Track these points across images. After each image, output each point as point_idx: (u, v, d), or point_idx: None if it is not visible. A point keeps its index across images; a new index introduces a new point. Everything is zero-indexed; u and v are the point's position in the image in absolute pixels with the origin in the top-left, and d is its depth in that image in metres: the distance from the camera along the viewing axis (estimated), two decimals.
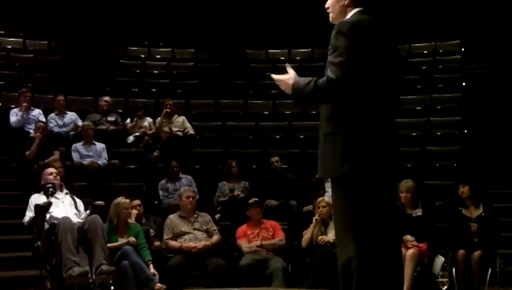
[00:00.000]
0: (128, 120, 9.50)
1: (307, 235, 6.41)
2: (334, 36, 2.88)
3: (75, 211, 5.96)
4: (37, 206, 5.66)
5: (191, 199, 6.74)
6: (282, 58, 13.04)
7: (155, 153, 8.57)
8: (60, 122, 9.14)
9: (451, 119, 9.83)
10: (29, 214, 5.78)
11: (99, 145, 8.47)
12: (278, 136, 9.78)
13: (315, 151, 3.07)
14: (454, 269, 6.07)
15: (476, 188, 6.52)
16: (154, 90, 11.25)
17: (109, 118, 9.40)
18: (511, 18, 12.28)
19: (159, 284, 5.88)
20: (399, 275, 3.00)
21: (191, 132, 9.43)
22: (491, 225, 6.23)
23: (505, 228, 6.74)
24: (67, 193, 6.11)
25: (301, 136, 9.59)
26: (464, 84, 11.17)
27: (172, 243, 6.48)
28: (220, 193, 7.89)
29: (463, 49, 12.61)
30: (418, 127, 9.67)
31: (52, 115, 9.18)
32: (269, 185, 7.93)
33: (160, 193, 7.89)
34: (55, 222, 5.54)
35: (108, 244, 5.80)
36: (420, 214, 6.13)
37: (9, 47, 11.92)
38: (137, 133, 9.24)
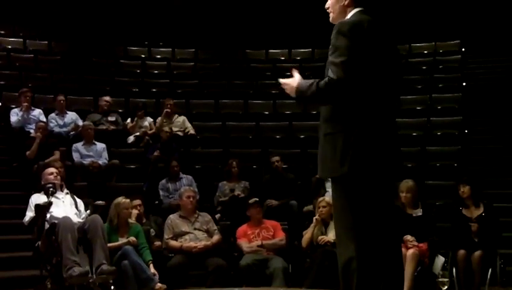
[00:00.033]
0: (129, 120, 9.50)
1: (307, 235, 6.41)
2: (335, 36, 2.88)
3: (75, 211, 5.97)
4: (37, 206, 5.66)
5: (191, 199, 6.74)
6: (283, 58, 13.08)
7: (155, 153, 8.57)
8: (61, 122, 9.15)
9: (452, 119, 9.83)
10: (30, 214, 5.78)
11: (100, 145, 8.47)
12: (278, 136, 9.78)
13: (315, 151, 3.07)
14: (454, 269, 6.07)
15: (477, 188, 6.52)
16: (154, 90, 11.25)
17: (109, 118, 9.40)
18: (511, 18, 12.28)
19: (159, 284, 5.88)
20: (399, 275, 3.00)
21: (192, 131, 9.43)
22: (492, 225, 6.23)
23: (506, 228, 6.74)
24: (67, 193, 6.11)
25: (301, 136, 9.59)
26: (464, 84, 11.17)
27: (173, 243, 6.48)
28: (221, 193, 7.89)
29: (463, 49, 12.61)
30: (418, 127, 9.68)
31: (53, 115, 9.19)
32: (269, 185, 7.93)
33: (161, 192, 7.89)
34: (56, 221, 5.54)
35: (109, 244, 5.80)
36: (420, 214, 6.13)
37: (10, 47, 11.93)
38: (138, 133, 9.24)
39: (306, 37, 12.81)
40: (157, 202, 7.86)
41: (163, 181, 7.97)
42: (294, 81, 3.00)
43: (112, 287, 5.55)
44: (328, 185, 6.78)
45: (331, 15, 3.12)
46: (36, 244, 5.65)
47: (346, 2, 3.04)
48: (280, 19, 13.34)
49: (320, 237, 6.25)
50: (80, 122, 9.12)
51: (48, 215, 5.67)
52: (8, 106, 9.39)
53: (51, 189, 5.81)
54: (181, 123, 9.42)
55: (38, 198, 5.85)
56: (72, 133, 8.97)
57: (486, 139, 9.69)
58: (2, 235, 7.01)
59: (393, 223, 2.99)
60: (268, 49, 13.30)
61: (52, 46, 12.45)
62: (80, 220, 5.84)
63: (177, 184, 7.85)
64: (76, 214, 5.92)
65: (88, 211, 6.02)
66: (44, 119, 8.94)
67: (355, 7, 3.02)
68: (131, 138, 9.20)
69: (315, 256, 6.13)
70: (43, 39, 12.54)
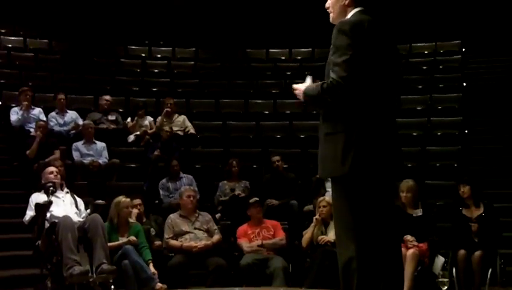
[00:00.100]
0: (129, 119, 9.50)
1: (307, 234, 6.41)
2: (335, 36, 2.89)
3: (75, 210, 5.96)
4: (37, 205, 5.66)
5: (191, 199, 6.74)
6: (283, 57, 13.07)
7: (156, 152, 8.57)
8: (61, 121, 9.14)
9: (452, 119, 9.84)
10: (30, 213, 5.78)
11: (100, 144, 8.47)
12: (278, 136, 9.78)
13: (316, 151, 3.08)
14: (454, 269, 6.07)
15: (477, 188, 6.52)
16: (154, 89, 11.24)
17: (110, 117, 9.40)
18: (511, 18, 12.28)
19: (159, 284, 5.88)
20: (399, 275, 3.00)
21: (192, 131, 9.43)
22: (492, 225, 6.23)
23: (506, 228, 6.75)
24: (67, 192, 6.11)
25: (302, 136, 9.59)
26: (464, 84, 11.17)
27: (173, 242, 6.48)
28: (221, 193, 7.89)
29: (464, 49, 12.60)
30: (418, 127, 9.68)
31: (53, 113, 9.18)
32: (270, 185, 7.93)
33: (161, 192, 7.89)
34: (56, 220, 5.53)
35: (109, 244, 5.80)
36: (421, 214, 6.13)
37: (10, 46, 11.92)
38: (138, 132, 9.23)
39: (306, 37, 12.80)
40: (157, 201, 7.86)
41: (164, 180, 7.97)
42: (303, 85, 3.04)
43: (112, 287, 5.55)
44: (328, 185, 6.77)
45: (331, 15, 3.13)
46: (36, 243, 5.65)
47: (346, 2, 3.04)
48: (280, 18, 13.33)
49: (320, 237, 6.25)
50: (80, 121, 9.11)
51: (48, 215, 5.67)
52: (8, 105, 9.38)
53: (51, 188, 5.80)
54: (181, 122, 9.42)
55: (38, 197, 5.85)
56: (72, 132, 8.96)
57: (486, 139, 9.69)
58: (2, 234, 7.01)
59: (393, 223, 2.99)
60: (268, 48, 13.28)
61: (53, 45, 12.45)
62: (80, 219, 5.83)
63: (178, 183, 7.86)
64: (76, 213, 5.92)
65: (88, 210, 6.01)
66: (45, 118, 8.93)
67: (356, 7, 3.03)
68: (131, 137, 9.20)
69: (315, 256, 6.13)
70: (44, 38, 12.54)
